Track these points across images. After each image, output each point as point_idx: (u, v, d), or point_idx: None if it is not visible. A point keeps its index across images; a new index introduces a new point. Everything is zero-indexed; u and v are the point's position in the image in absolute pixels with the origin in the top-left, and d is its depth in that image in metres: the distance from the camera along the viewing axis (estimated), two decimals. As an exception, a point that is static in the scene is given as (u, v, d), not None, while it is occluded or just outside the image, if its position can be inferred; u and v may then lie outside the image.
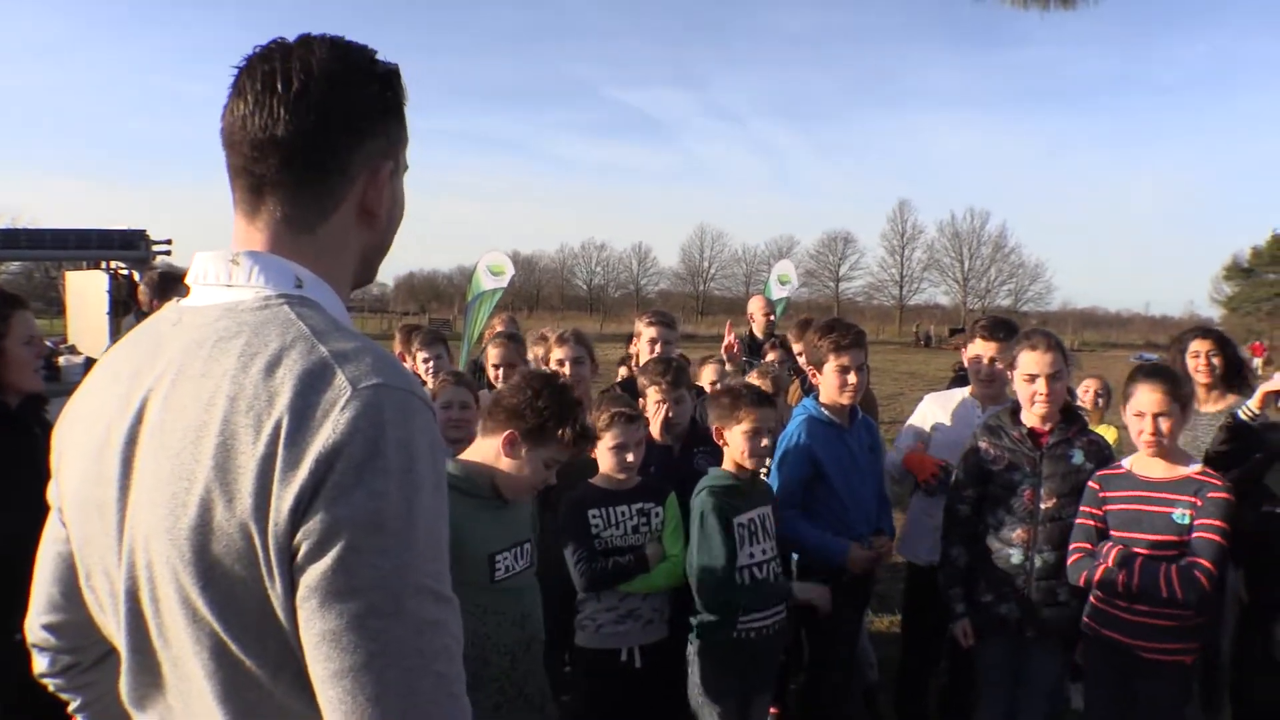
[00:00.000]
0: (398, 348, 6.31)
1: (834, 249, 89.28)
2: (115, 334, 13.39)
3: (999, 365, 4.05)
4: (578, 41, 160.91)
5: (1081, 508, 3.43)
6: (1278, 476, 3.45)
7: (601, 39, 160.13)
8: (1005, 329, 4.17)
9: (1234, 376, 4.41)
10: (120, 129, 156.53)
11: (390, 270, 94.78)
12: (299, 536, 0.99)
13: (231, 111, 1.16)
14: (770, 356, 6.03)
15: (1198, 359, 4.38)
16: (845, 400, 3.86)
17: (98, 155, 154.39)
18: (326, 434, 1.00)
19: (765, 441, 3.48)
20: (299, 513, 0.99)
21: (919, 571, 4.23)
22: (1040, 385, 3.53)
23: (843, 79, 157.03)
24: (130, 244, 19.16)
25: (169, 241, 19.68)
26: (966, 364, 4.35)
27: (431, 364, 5.14)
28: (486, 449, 2.88)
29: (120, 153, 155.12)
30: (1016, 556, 3.54)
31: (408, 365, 5.20)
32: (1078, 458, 3.55)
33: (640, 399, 3.93)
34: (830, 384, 3.86)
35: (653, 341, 4.89)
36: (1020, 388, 3.63)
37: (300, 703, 1.06)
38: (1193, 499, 3.21)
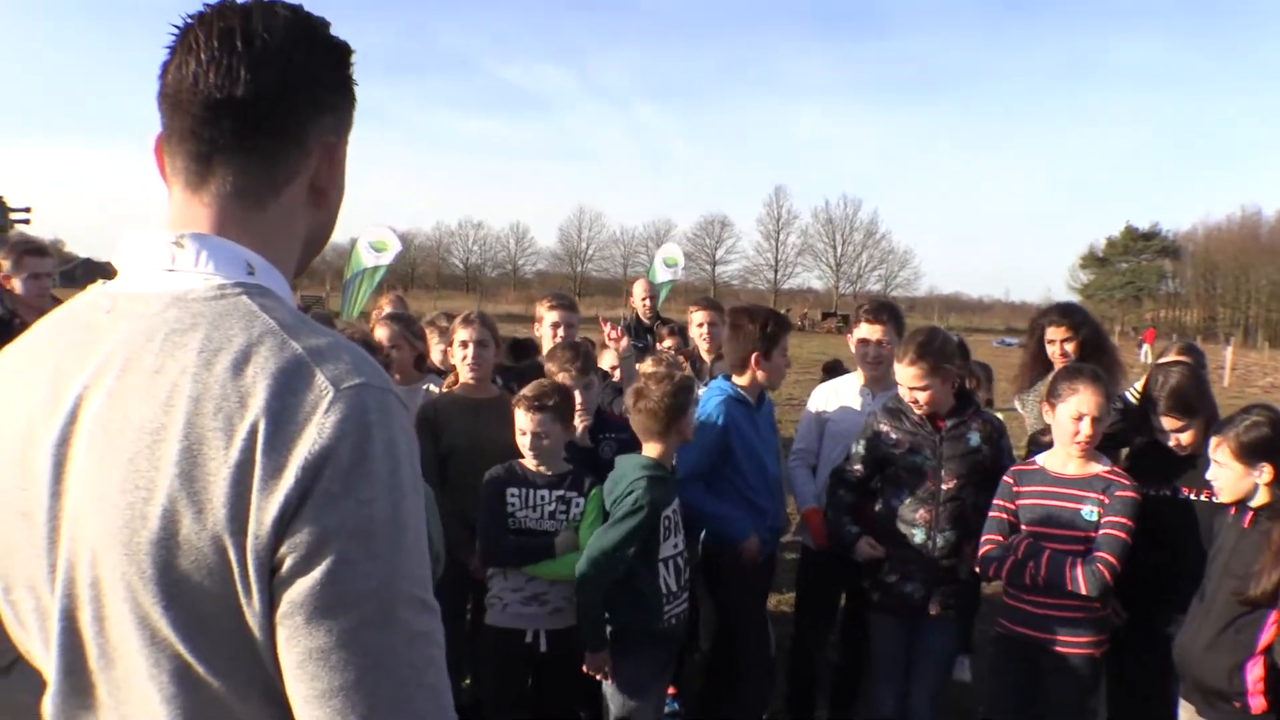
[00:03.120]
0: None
1: (711, 232, 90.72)
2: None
3: (886, 348, 4.14)
4: (456, 12, 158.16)
5: (995, 500, 3.51)
6: (1157, 460, 3.59)
7: (481, 10, 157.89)
8: (888, 311, 4.28)
9: (1097, 355, 4.15)
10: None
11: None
12: (284, 549, 0.92)
13: (179, 69, 1.05)
14: (667, 343, 6.03)
15: (1054, 346, 4.25)
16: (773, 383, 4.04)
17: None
18: (311, 438, 0.92)
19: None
20: (284, 523, 0.91)
21: (812, 553, 4.32)
22: (920, 395, 3.63)
23: (721, 64, 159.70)
24: (-17, 211, 17.82)
25: (28, 209, 18.34)
26: (854, 349, 4.39)
27: None
28: None
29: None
30: (919, 536, 3.64)
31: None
32: (974, 440, 3.67)
33: None
34: (778, 367, 4.00)
35: (555, 325, 4.83)
36: (902, 391, 3.73)
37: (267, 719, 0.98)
38: (1101, 496, 3.30)
